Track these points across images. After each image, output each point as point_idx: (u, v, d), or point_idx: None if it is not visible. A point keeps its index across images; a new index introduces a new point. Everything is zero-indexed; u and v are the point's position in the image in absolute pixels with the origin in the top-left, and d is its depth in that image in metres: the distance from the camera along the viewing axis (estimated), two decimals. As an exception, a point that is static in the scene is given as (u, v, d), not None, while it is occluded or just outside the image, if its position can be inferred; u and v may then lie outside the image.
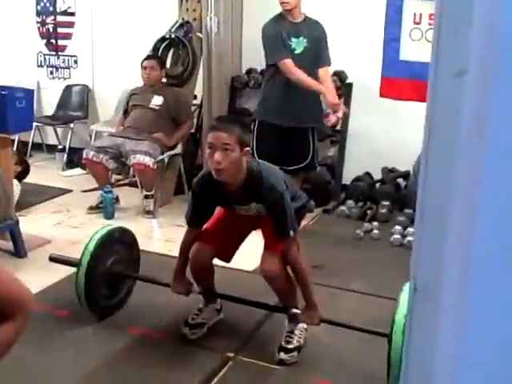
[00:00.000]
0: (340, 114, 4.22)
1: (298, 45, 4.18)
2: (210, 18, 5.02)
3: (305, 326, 2.95)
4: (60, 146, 6.26)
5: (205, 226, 2.91)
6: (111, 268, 3.13)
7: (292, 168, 4.25)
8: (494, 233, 0.69)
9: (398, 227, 4.35)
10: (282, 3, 4.13)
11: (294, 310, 2.85)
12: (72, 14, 6.35)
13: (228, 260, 3.06)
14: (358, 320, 3.27)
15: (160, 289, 3.24)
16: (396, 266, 3.92)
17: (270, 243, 2.83)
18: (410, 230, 4.30)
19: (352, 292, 3.58)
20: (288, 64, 4.09)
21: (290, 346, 2.85)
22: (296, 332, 2.91)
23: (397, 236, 4.26)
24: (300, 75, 4.08)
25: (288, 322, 2.94)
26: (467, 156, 0.69)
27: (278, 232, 2.71)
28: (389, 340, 2.42)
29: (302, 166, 4.35)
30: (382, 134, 5.17)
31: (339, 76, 5.13)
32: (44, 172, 5.77)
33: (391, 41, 5.12)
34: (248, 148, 2.62)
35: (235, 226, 2.92)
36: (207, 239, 2.89)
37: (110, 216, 4.68)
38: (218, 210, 2.96)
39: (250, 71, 5.41)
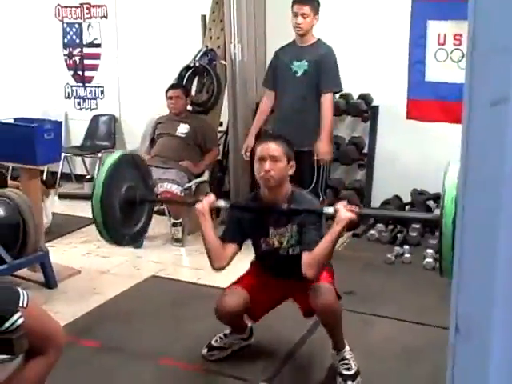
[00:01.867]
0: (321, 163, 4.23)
1: (299, 68, 4.23)
2: (234, 46, 5.05)
3: (348, 347, 2.90)
4: (88, 176, 6.31)
5: (238, 284, 2.93)
6: (126, 194, 2.94)
7: None
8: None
9: (429, 250, 4.26)
10: (296, 27, 4.19)
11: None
12: (98, 46, 6.45)
13: (256, 319, 3.01)
14: (392, 347, 3.21)
15: (191, 318, 3.22)
16: (429, 291, 3.86)
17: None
18: (443, 253, 4.22)
19: (385, 318, 3.51)
20: (264, 96, 4.51)
21: (352, 372, 2.83)
22: (348, 356, 2.86)
23: (429, 259, 4.18)
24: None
25: (336, 353, 2.88)
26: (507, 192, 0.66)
27: (308, 239, 2.69)
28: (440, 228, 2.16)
29: None
30: (410, 156, 5.11)
31: (365, 99, 5.11)
32: (73, 202, 5.82)
33: (416, 62, 5.09)
34: (293, 162, 2.80)
35: (268, 289, 2.90)
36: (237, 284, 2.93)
37: (138, 245, 4.67)
38: (251, 275, 2.97)
39: (274, 96, 5.41)
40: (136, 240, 3.14)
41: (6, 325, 1.95)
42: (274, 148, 2.73)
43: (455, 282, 0.82)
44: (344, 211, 2.56)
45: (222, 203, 2.90)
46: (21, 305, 2.09)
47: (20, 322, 1.98)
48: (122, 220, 2.95)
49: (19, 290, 2.20)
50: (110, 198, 2.83)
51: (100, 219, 2.79)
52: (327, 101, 4.18)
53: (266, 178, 2.72)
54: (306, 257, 2.63)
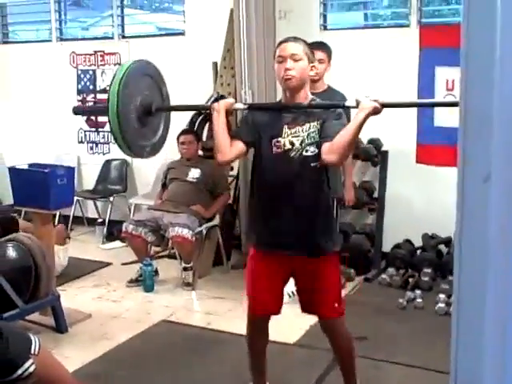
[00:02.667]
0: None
1: None
2: (245, 92, 5.13)
3: None
4: (100, 220, 6.36)
5: (247, 292, 2.88)
6: (141, 104, 2.88)
7: None
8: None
9: (442, 295, 4.24)
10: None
11: None
12: (111, 92, 6.55)
13: (278, 312, 2.91)
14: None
15: (203, 365, 3.20)
16: (442, 336, 3.79)
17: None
18: (455, 298, 4.19)
19: (397, 364, 3.47)
20: None
21: None
22: None
23: (441, 305, 4.15)
24: None
25: None
26: (496, 263, 0.70)
27: (328, 132, 2.59)
28: None
29: None
30: (421, 200, 5.13)
31: (374, 144, 5.15)
32: (84, 245, 5.85)
33: (425, 107, 5.14)
34: (314, 64, 2.73)
35: (272, 276, 2.81)
36: (254, 302, 2.85)
37: (149, 289, 4.69)
38: (251, 264, 2.87)
39: (285, 141, 5.47)
40: (156, 151, 3.06)
41: (19, 372, 1.96)
42: (294, 46, 2.65)
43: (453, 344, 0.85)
44: (367, 100, 2.53)
45: (239, 105, 2.88)
46: (32, 352, 2.09)
47: (32, 369, 1.98)
48: (140, 130, 2.88)
49: (31, 336, 2.20)
50: (125, 107, 2.76)
51: (117, 130, 2.74)
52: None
53: (286, 77, 2.63)
54: (326, 145, 2.54)
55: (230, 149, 2.71)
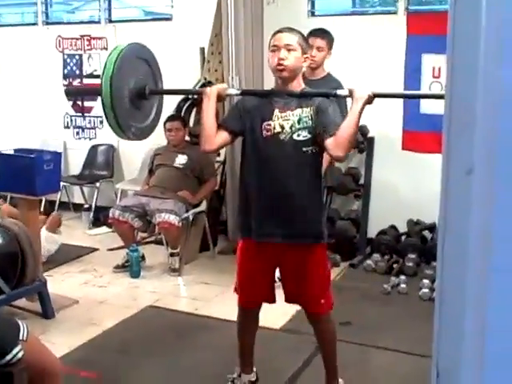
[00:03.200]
0: None
1: None
2: (232, 78, 5.13)
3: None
4: (86, 205, 6.34)
5: (236, 284, 2.89)
6: (135, 87, 2.89)
7: None
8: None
9: (426, 281, 4.29)
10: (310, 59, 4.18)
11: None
12: (98, 77, 6.47)
13: (273, 301, 2.92)
14: (388, 378, 3.22)
15: (189, 349, 3.22)
16: (426, 322, 3.83)
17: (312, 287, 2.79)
18: (439, 283, 4.24)
19: (382, 349, 3.52)
20: None
21: None
22: None
23: (425, 290, 4.20)
24: None
25: None
26: (477, 255, 0.72)
27: (325, 121, 2.57)
28: None
29: None
30: (406, 187, 5.17)
31: (361, 130, 5.16)
32: (70, 231, 5.84)
33: (411, 94, 5.16)
34: (307, 55, 2.73)
35: (263, 267, 2.80)
36: (246, 297, 2.87)
37: (136, 274, 4.70)
38: (241, 255, 2.86)
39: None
40: (142, 136, 3.07)
41: (7, 358, 1.97)
42: (288, 37, 2.66)
43: (436, 331, 0.88)
44: (361, 90, 2.57)
45: (233, 91, 2.88)
46: (21, 338, 2.11)
47: (20, 355, 2.00)
48: (133, 112, 2.91)
49: (19, 322, 2.22)
50: (118, 88, 2.79)
51: (110, 110, 2.77)
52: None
53: (279, 68, 2.63)
54: (331, 140, 2.51)
55: (216, 138, 2.70)
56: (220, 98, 2.77)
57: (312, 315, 2.89)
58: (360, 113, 2.53)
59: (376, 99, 5.29)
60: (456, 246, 0.80)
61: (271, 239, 2.70)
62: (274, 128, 2.62)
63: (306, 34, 4.15)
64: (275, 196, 2.66)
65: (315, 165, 2.69)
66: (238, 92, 2.90)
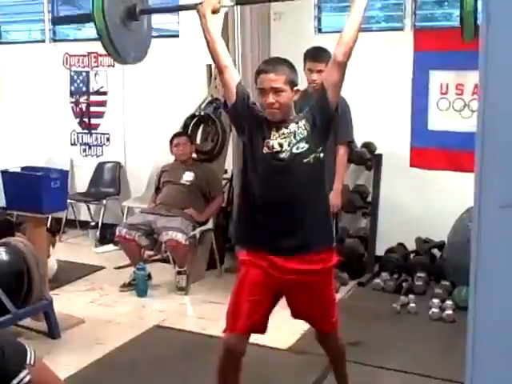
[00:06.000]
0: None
1: None
2: (239, 95, 5.11)
3: None
4: (93, 223, 6.33)
5: (231, 308, 2.68)
6: (125, 9, 2.91)
7: None
8: None
9: (435, 300, 4.24)
10: (311, 82, 4.18)
11: None
12: (104, 94, 6.54)
13: (264, 331, 2.75)
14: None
15: (196, 370, 3.18)
16: (436, 342, 3.83)
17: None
18: (449, 303, 4.20)
19: (391, 370, 3.46)
20: None
21: None
22: None
23: (435, 310, 4.15)
24: None
25: None
26: None
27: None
28: None
29: None
30: (414, 204, 5.14)
31: (368, 147, 5.16)
32: (77, 249, 5.82)
33: (419, 111, 5.15)
34: (298, 87, 2.63)
35: (260, 292, 2.64)
36: (237, 323, 2.64)
37: (142, 293, 4.67)
38: (240, 281, 2.69)
39: (279, 145, 5.46)
40: (142, 57, 3.12)
41: (14, 382, 1.94)
42: (274, 79, 2.54)
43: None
44: None
45: (226, 1, 2.79)
46: (28, 362, 2.08)
47: (27, 379, 1.96)
48: (126, 33, 2.91)
49: (26, 346, 2.19)
50: (110, 8, 2.79)
51: (104, 31, 2.75)
52: (341, 153, 4.21)
53: (271, 111, 2.57)
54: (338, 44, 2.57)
55: (226, 55, 2.67)
56: (215, 12, 2.71)
57: (324, 336, 2.86)
58: (365, 8, 2.58)
59: (384, 117, 5.30)
60: (491, 279, 0.77)
61: (276, 253, 2.59)
62: (273, 147, 2.58)
63: (307, 51, 4.22)
64: (279, 210, 2.58)
65: (317, 173, 2.65)
66: (233, 3, 2.85)
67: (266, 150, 2.59)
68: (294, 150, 2.56)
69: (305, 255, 2.61)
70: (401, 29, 5.24)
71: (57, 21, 3.47)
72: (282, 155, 2.57)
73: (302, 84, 4.25)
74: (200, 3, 2.68)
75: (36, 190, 3.91)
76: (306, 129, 2.59)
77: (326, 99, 2.60)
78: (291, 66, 2.66)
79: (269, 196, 2.59)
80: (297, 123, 2.60)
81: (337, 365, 2.96)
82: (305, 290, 2.66)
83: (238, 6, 5.14)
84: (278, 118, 2.59)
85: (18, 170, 4.27)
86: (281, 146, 2.58)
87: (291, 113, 2.65)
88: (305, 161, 2.57)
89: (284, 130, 2.59)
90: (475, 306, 0.81)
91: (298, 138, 2.58)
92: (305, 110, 2.67)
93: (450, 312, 4.11)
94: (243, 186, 2.74)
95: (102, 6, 2.76)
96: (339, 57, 2.56)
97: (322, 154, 2.61)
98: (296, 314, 2.81)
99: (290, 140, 2.57)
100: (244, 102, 2.64)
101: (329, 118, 2.64)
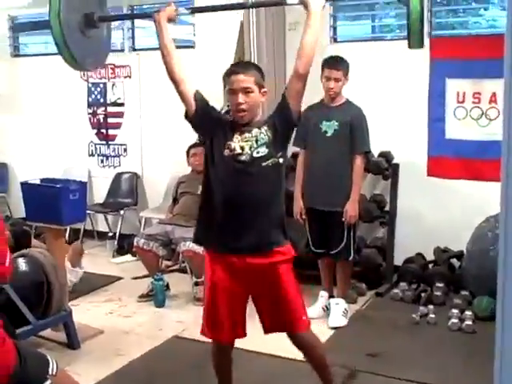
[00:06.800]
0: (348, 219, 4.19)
1: (329, 128, 4.21)
2: (255, 105, 5.13)
3: None
4: (110, 233, 6.36)
5: (205, 320, 2.90)
6: (83, 17, 2.98)
7: (333, 253, 4.26)
8: None
9: (454, 310, 4.21)
10: (328, 91, 4.19)
11: None
12: (121, 105, 6.59)
13: (244, 335, 2.91)
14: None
15: (215, 382, 3.18)
16: (456, 353, 3.80)
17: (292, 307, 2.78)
18: (468, 313, 4.16)
19: (411, 382, 3.43)
20: (299, 156, 4.45)
21: None
22: None
23: (454, 320, 4.12)
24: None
25: None
26: None
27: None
28: None
29: (334, 252, 4.26)
30: (432, 214, 5.11)
31: (385, 157, 5.14)
32: (95, 259, 5.85)
33: (436, 120, 5.13)
34: (266, 89, 2.75)
35: (231, 298, 2.78)
36: (217, 335, 2.88)
37: (160, 304, 4.68)
38: (209, 287, 2.84)
39: (296, 155, 5.46)
40: (99, 64, 3.27)
41: (37, 394, 1.97)
42: (244, 79, 2.67)
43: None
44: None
45: (182, 10, 2.84)
46: (50, 373, 2.11)
47: (50, 391, 1.99)
48: (84, 41, 2.98)
49: (48, 357, 2.22)
50: (67, 17, 2.84)
51: (61, 40, 2.83)
52: (358, 163, 4.20)
53: (240, 114, 2.68)
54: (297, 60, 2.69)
55: (181, 68, 2.76)
56: (171, 20, 2.79)
57: (297, 337, 2.84)
58: (319, 17, 2.71)
59: (401, 126, 5.30)
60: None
61: (236, 252, 2.71)
62: (235, 149, 2.69)
63: (324, 60, 4.24)
64: (239, 211, 2.69)
65: (276, 175, 2.75)
66: (188, 12, 2.92)
67: (227, 152, 2.69)
68: (254, 154, 2.68)
69: (262, 253, 2.72)
70: (417, 37, 5.22)
71: (18, 28, 3.52)
72: (243, 158, 2.68)
73: (320, 93, 4.32)
74: (156, 11, 2.77)
75: (55, 202, 3.95)
76: (267, 134, 2.70)
77: (288, 107, 2.73)
78: (259, 69, 2.80)
79: (228, 196, 2.69)
80: (259, 128, 2.72)
81: (320, 376, 2.95)
82: (267, 286, 2.74)
83: (254, 16, 5.19)
84: (245, 119, 2.70)
85: (38, 181, 4.31)
86: (242, 148, 2.69)
87: (257, 115, 2.76)
88: (263, 164, 2.69)
89: (246, 134, 2.70)
90: (502, 317, 0.80)
91: (259, 142, 2.69)
92: (267, 117, 2.80)
93: (469, 323, 4.08)
94: (204, 189, 2.83)
95: (59, 12, 2.80)
96: (300, 69, 2.70)
97: (281, 160, 2.73)
98: (264, 320, 2.84)
99: (251, 144, 2.69)
100: (205, 108, 2.78)
101: (289, 126, 2.80)
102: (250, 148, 2.68)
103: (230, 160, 2.68)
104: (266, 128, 2.71)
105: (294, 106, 2.72)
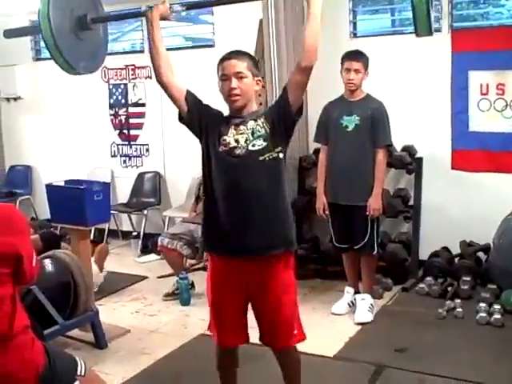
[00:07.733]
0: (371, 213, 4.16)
1: (350, 122, 4.18)
2: (275, 103, 5.12)
3: None
4: (134, 233, 6.40)
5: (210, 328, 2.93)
6: (75, 19, 2.95)
7: (357, 247, 4.25)
8: None
9: (482, 304, 4.16)
10: (348, 83, 4.17)
11: None
12: (143, 105, 6.63)
13: (247, 340, 2.89)
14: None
15: (241, 380, 3.18)
16: (485, 347, 3.76)
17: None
18: (496, 307, 4.11)
19: (439, 377, 3.40)
20: (320, 152, 4.42)
21: None
22: None
23: (483, 314, 4.07)
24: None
25: None
26: None
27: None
28: None
29: (358, 247, 4.25)
30: (457, 207, 5.06)
31: (408, 151, 5.10)
32: (120, 259, 5.90)
33: (459, 113, 5.08)
34: (259, 78, 2.67)
35: (230, 301, 2.75)
36: (223, 339, 2.89)
37: (186, 302, 4.70)
38: (209, 289, 2.85)
39: (317, 151, 5.43)
40: (94, 68, 3.17)
41: (66, 394, 1.98)
42: (237, 64, 2.59)
43: None
44: None
45: (176, 7, 2.73)
46: (79, 373, 2.12)
47: (79, 391, 2.00)
48: (77, 44, 2.93)
49: (77, 358, 2.23)
50: (58, 20, 2.81)
51: (52, 45, 2.82)
52: (381, 157, 4.18)
53: (233, 98, 2.59)
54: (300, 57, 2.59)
55: (170, 70, 2.66)
56: (164, 18, 2.72)
57: (283, 352, 2.82)
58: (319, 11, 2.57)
59: (424, 119, 5.24)
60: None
61: (234, 254, 2.62)
62: (230, 143, 2.59)
63: (344, 54, 4.22)
64: (237, 208, 2.58)
65: (274, 171, 2.63)
66: (183, 8, 2.79)
67: (222, 148, 2.59)
68: (250, 147, 2.57)
69: (258, 257, 2.62)
70: (438, 30, 5.15)
71: (8, 34, 3.49)
72: (238, 151, 2.57)
73: (340, 88, 4.29)
74: (149, 9, 2.69)
75: (80, 203, 3.98)
76: (264, 127, 2.60)
77: (287, 100, 2.61)
78: (252, 57, 2.72)
79: (225, 193, 2.58)
80: (255, 120, 2.62)
81: (292, 379, 2.90)
82: (260, 292, 2.67)
83: (273, 14, 5.17)
84: (239, 104, 2.61)
85: (62, 183, 4.35)
86: (237, 141, 2.59)
87: (252, 105, 2.67)
88: (260, 158, 2.57)
89: (242, 127, 2.61)
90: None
91: (255, 135, 2.59)
92: (265, 109, 2.75)
93: (498, 316, 4.03)
94: (205, 188, 2.71)
95: (48, 15, 2.77)
96: (302, 62, 2.59)
97: (280, 155, 2.61)
98: (260, 326, 2.81)
99: (247, 137, 2.59)
100: (197, 106, 2.70)
101: (288, 119, 2.64)
102: (246, 141, 2.58)
103: (225, 155, 2.58)
104: (262, 120, 2.61)
105: (294, 99, 2.60)
